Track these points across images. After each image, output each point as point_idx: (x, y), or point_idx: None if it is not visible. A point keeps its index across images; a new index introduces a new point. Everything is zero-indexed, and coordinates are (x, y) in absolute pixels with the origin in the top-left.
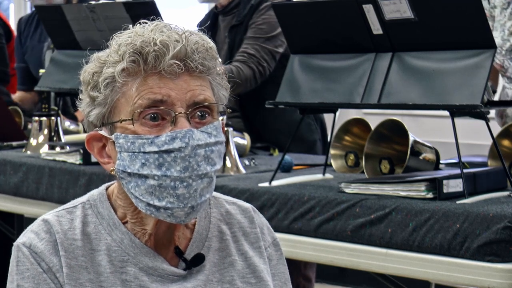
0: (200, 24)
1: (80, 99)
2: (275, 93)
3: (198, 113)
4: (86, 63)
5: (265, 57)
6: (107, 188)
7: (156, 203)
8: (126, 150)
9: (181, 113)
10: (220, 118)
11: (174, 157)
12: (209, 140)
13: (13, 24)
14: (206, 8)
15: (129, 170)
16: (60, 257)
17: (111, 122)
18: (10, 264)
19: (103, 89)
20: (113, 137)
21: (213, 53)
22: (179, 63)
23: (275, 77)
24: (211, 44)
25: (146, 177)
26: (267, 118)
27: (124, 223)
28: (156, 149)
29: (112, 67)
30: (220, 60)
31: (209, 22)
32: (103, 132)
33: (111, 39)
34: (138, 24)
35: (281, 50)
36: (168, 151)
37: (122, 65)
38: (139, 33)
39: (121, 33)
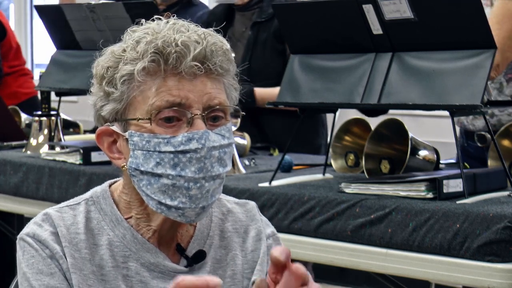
0: (212, 14)
1: (90, 92)
2: None
3: (213, 114)
4: (100, 56)
5: None
6: (110, 185)
7: (168, 202)
8: (141, 149)
9: (197, 114)
10: (235, 120)
11: (189, 157)
12: (223, 142)
13: (13, 24)
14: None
15: (142, 168)
16: (63, 247)
17: (126, 119)
18: (17, 257)
19: (120, 86)
20: (126, 134)
21: (229, 56)
22: (199, 65)
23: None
24: (227, 46)
25: (160, 176)
26: (273, 116)
27: (127, 219)
28: (172, 149)
29: (131, 64)
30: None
31: (225, 15)
32: (115, 127)
33: (125, 32)
34: (151, 21)
35: None
36: (184, 152)
37: (143, 64)
38: (156, 30)
39: (136, 27)
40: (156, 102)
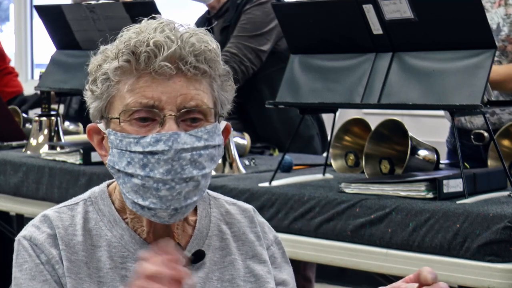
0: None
1: (86, 90)
2: (270, 91)
3: (188, 116)
4: (95, 54)
5: (248, 56)
6: (108, 185)
7: (140, 202)
8: (116, 147)
9: (170, 115)
10: (223, 123)
11: (157, 159)
12: (197, 144)
13: (13, 24)
14: (205, 8)
15: (117, 167)
16: (60, 251)
17: (106, 117)
18: (13, 258)
19: (100, 84)
20: (106, 132)
21: (213, 55)
22: (169, 65)
23: (270, 75)
24: (212, 46)
25: (131, 175)
26: (262, 115)
27: (124, 219)
28: (140, 149)
29: (109, 63)
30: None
31: (204, 26)
32: (101, 125)
33: (121, 31)
34: (146, 20)
35: (266, 48)
36: (152, 153)
37: (116, 63)
38: (142, 30)
39: (132, 26)
40: (130, 102)
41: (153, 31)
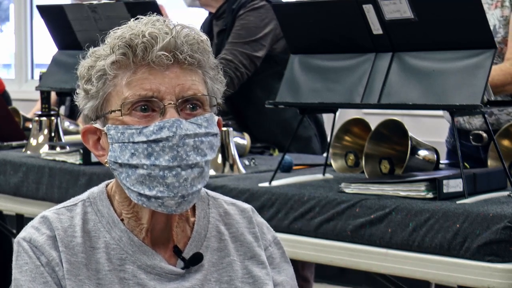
0: (201, 27)
1: (77, 94)
2: (265, 94)
3: (189, 105)
4: (83, 58)
5: (243, 62)
6: (107, 186)
7: (147, 192)
8: (117, 141)
9: (170, 103)
10: (216, 117)
11: (162, 146)
12: (198, 130)
13: (13, 24)
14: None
15: (119, 161)
16: (60, 253)
17: (103, 114)
18: (12, 259)
19: (95, 82)
20: (105, 129)
21: (204, 46)
22: (167, 54)
23: (265, 79)
24: (203, 37)
25: (136, 167)
26: (257, 118)
27: (122, 220)
28: (144, 139)
29: (104, 60)
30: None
31: (208, 28)
32: (97, 125)
33: (108, 34)
34: (133, 19)
35: (260, 54)
36: (156, 141)
37: (112, 57)
38: (132, 27)
39: (118, 28)
40: (129, 95)
41: (144, 26)
